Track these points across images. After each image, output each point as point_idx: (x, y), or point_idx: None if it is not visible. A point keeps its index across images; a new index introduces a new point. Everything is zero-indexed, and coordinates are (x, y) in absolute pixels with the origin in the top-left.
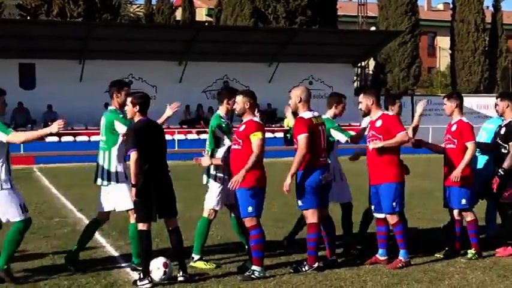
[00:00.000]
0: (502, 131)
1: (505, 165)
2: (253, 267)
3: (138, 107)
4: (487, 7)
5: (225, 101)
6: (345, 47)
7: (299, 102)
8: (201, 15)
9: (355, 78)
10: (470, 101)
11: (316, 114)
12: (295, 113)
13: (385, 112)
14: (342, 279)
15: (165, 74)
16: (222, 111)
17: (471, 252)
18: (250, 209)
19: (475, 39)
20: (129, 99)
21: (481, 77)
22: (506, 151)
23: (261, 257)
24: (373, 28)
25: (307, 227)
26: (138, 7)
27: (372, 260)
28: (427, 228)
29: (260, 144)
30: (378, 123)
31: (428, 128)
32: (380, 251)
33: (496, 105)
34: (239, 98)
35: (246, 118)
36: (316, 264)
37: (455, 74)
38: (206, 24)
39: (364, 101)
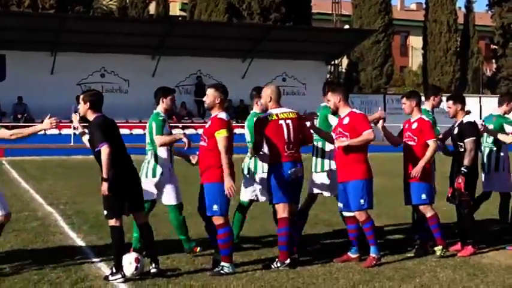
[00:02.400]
0: (455, 131)
1: (466, 162)
2: (223, 264)
3: (89, 104)
4: (460, 8)
5: (256, 100)
6: (318, 45)
7: (269, 102)
8: (175, 9)
9: (328, 75)
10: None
11: (283, 109)
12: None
13: (353, 110)
14: (314, 276)
15: (138, 68)
16: (257, 109)
17: (438, 249)
18: (215, 207)
19: (447, 39)
20: (80, 97)
21: (452, 77)
22: (463, 149)
23: (230, 254)
24: (346, 26)
25: (278, 222)
26: (111, 0)
27: (344, 258)
28: (395, 225)
29: (226, 144)
30: (345, 121)
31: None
32: (351, 248)
33: (448, 107)
34: (210, 92)
35: (213, 113)
36: (288, 261)
37: (427, 73)
38: (180, 18)
39: (332, 98)
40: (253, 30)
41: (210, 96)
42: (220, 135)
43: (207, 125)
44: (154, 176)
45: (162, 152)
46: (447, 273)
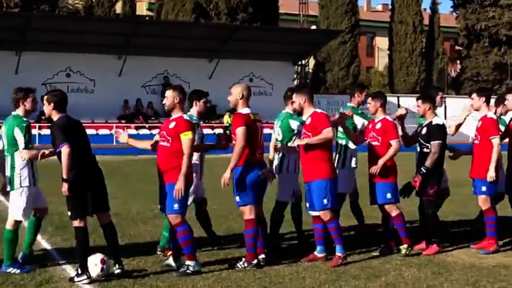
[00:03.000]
0: (424, 131)
1: (427, 163)
2: (187, 262)
3: (53, 104)
4: (425, 9)
5: (289, 101)
6: (285, 45)
7: (240, 99)
8: (142, 9)
9: (295, 76)
10: (407, 101)
11: (254, 111)
12: (233, 110)
13: (316, 110)
14: (281, 276)
15: (104, 68)
16: (290, 109)
17: (403, 247)
18: (176, 206)
19: (412, 40)
20: (44, 98)
21: (417, 77)
22: (428, 150)
23: (193, 252)
24: (313, 27)
25: (245, 224)
26: None
27: (310, 258)
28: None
29: (190, 145)
30: (308, 121)
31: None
32: (318, 248)
33: (417, 106)
34: (169, 93)
35: (176, 114)
36: (255, 261)
37: (392, 74)
38: (147, 18)
39: (297, 99)
40: (220, 30)
41: (170, 97)
42: (186, 137)
43: (170, 125)
44: None
45: None
46: (412, 271)
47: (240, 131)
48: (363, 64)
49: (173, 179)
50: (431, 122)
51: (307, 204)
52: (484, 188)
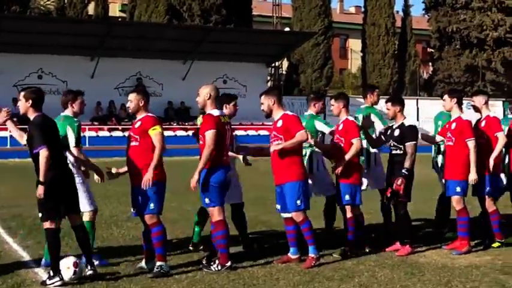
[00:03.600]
0: (396, 133)
1: (407, 165)
2: (159, 263)
3: (31, 101)
4: (397, 12)
5: (311, 104)
6: (259, 47)
7: (208, 99)
8: (115, 10)
9: (268, 78)
10: (381, 103)
11: (224, 112)
12: (202, 111)
13: (286, 112)
14: (255, 277)
15: (77, 69)
16: (313, 111)
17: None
18: (152, 205)
19: (385, 42)
20: (21, 94)
21: (390, 79)
22: (400, 152)
23: (165, 253)
24: (287, 29)
25: (214, 226)
26: (48, 0)
27: (284, 259)
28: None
29: (161, 138)
30: (279, 124)
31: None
32: (291, 249)
33: (387, 109)
34: (132, 96)
35: (141, 115)
36: (228, 263)
37: (366, 76)
38: (120, 19)
39: (266, 101)
40: (194, 31)
41: (134, 100)
42: (156, 131)
43: (136, 125)
44: None
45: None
46: (385, 272)
47: (210, 134)
48: (336, 66)
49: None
50: (403, 123)
51: (279, 206)
52: (458, 189)
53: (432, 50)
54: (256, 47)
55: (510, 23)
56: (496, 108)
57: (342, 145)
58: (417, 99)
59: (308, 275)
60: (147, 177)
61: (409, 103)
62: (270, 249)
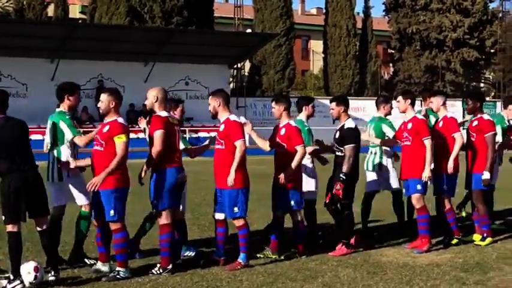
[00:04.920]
0: (337, 135)
1: (345, 169)
2: (118, 268)
3: None
4: (358, 13)
5: (304, 107)
6: (221, 48)
7: (155, 102)
8: (75, 12)
9: (231, 79)
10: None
11: (172, 114)
12: (150, 113)
13: (230, 117)
14: (219, 279)
15: (37, 72)
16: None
17: (266, 250)
18: (112, 212)
19: (346, 43)
20: None
21: (352, 80)
22: (342, 154)
23: (126, 259)
24: (249, 30)
25: (160, 228)
26: (7, 1)
27: (210, 260)
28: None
29: (124, 148)
30: (221, 128)
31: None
32: (219, 251)
33: (331, 109)
34: (104, 97)
35: (110, 118)
36: (170, 266)
37: (327, 77)
38: (80, 21)
39: (212, 102)
40: (155, 33)
41: (105, 101)
42: (120, 140)
43: (104, 129)
44: None
45: None
46: (348, 272)
47: (158, 134)
48: (298, 67)
49: (109, 185)
50: (343, 125)
51: (216, 207)
52: (419, 187)
53: (393, 51)
54: (218, 49)
55: (468, 24)
56: (456, 108)
57: (284, 150)
58: (313, 99)
59: (272, 275)
60: (96, 181)
61: (371, 103)
62: (233, 250)
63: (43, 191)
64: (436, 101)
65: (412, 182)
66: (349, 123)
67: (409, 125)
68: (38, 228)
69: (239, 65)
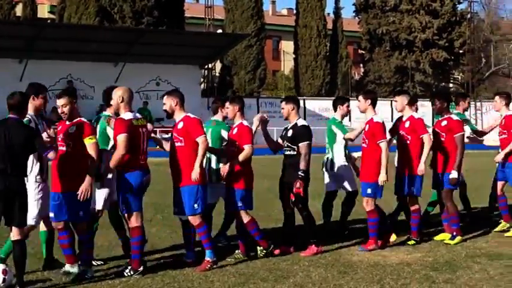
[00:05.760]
0: (289, 133)
1: (302, 166)
2: (84, 268)
3: None
4: (328, 14)
5: (339, 107)
6: (192, 49)
7: (121, 103)
8: (43, 12)
9: (202, 80)
10: (313, 104)
11: (137, 116)
12: (116, 114)
13: (188, 114)
14: (190, 280)
15: (4, 72)
16: (338, 116)
17: (260, 249)
18: (81, 213)
19: (317, 44)
20: None
21: (322, 81)
22: (294, 152)
23: (90, 258)
24: (220, 31)
25: (131, 231)
26: None
27: (202, 267)
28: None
29: (96, 149)
30: (180, 125)
31: (273, 130)
32: (188, 253)
33: (282, 108)
34: (64, 101)
35: (76, 118)
36: (141, 268)
37: (298, 77)
38: (49, 21)
39: (168, 101)
40: (126, 33)
41: (67, 104)
42: (91, 141)
43: (71, 130)
44: None
45: None
46: (319, 271)
47: (120, 138)
48: (269, 67)
49: (75, 188)
50: (296, 123)
51: (176, 209)
52: (369, 190)
53: (363, 52)
54: (189, 49)
55: (437, 25)
56: (426, 108)
57: (235, 149)
58: (349, 99)
59: (243, 276)
60: (85, 188)
61: None
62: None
63: (24, 201)
64: (400, 100)
65: (364, 185)
66: (302, 121)
67: (367, 127)
68: (12, 237)
69: (210, 66)
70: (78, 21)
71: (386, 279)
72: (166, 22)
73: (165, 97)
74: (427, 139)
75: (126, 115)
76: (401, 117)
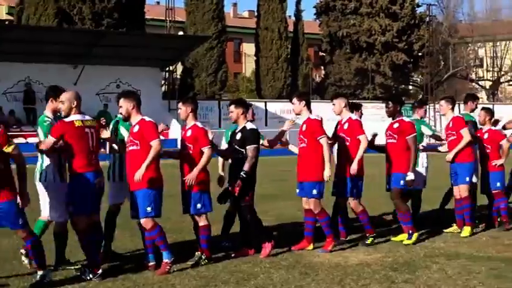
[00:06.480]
0: (238, 136)
1: (246, 168)
2: (41, 273)
3: None
4: (289, 16)
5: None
6: (153, 51)
7: (74, 106)
8: (1, 13)
9: (163, 82)
10: (274, 106)
11: (86, 117)
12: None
13: (144, 117)
14: (150, 284)
15: None
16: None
17: (197, 254)
18: (20, 221)
19: (278, 46)
20: None
21: (283, 83)
22: (242, 156)
23: (44, 262)
24: (181, 33)
25: (79, 235)
26: None
27: (162, 270)
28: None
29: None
30: (135, 129)
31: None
32: (148, 256)
33: (230, 112)
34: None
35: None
36: (100, 271)
37: (260, 79)
38: (7, 22)
39: (125, 104)
40: (85, 35)
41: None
42: (12, 147)
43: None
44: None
45: None
46: (281, 273)
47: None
48: (230, 70)
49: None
50: (245, 127)
51: (133, 213)
52: (314, 191)
53: (324, 54)
54: (150, 51)
55: (397, 28)
56: None
57: (191, 152)
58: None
59: (204, 279)
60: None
61: None
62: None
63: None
64: (337, 103)
65: (308, 186)
66: (251, 125)
67: (304, 127)
68: None
69: (171, 68)
70: (37, 23)
71: (347, 280)
72: (126, 24)
73: (121, 100)
74: (364, 140)
75: (75, 117)
76: (340, 120)
